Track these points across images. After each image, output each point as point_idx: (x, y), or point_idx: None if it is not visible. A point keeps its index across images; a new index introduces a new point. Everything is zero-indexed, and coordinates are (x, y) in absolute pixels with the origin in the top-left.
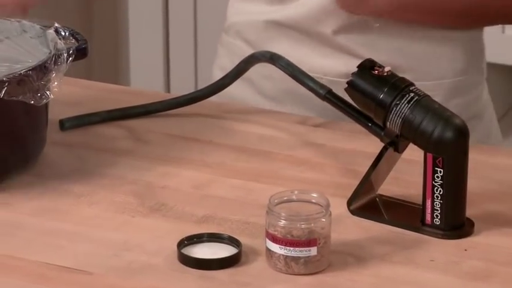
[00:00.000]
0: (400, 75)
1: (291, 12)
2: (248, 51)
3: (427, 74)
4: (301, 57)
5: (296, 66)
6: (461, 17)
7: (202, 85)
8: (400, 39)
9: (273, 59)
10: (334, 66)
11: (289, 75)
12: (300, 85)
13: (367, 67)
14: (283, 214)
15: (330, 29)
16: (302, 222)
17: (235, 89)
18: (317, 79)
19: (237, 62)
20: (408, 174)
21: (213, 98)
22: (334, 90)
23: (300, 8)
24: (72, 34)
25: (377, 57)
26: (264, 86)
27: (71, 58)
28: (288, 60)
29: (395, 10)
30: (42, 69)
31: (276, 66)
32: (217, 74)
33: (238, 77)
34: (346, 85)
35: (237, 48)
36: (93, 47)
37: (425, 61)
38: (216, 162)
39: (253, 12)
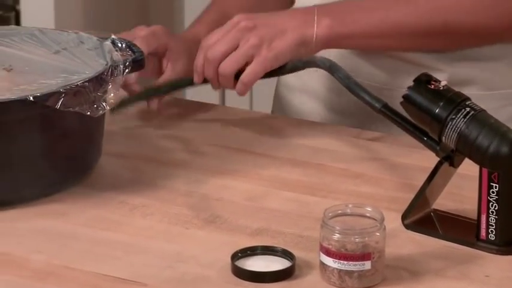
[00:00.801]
0: (474, 83)
1: None
2: None
3: (503, 82)
4: (355, 64)
5: (353, 79)
6: (426, 37)
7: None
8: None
9: (332, 69)
10: (391, 76)
11: (345, 86)
12: None
13: (423, 81)
14: (337, 228)
15: None
16: (356, 236)
17: (303, 105)
18: (373, 88)
19: (300, 76)
20: (463, 189)
21: (277, 112)
22: (389, 99)
23: None
24: (129, 46)
25: (448, 68)
26: (332, 100)
27: (127, 70)
28: (346, 72)
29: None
30: (98, 81)
31: (334, 76)
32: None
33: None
34: (402, 99)
35: None
36: None
37: (501, 69)
38: (270, 175)
39: None
